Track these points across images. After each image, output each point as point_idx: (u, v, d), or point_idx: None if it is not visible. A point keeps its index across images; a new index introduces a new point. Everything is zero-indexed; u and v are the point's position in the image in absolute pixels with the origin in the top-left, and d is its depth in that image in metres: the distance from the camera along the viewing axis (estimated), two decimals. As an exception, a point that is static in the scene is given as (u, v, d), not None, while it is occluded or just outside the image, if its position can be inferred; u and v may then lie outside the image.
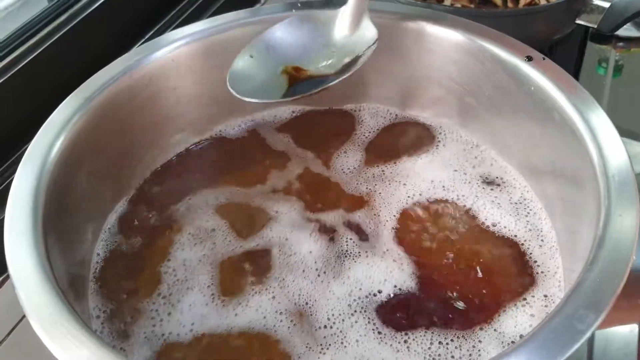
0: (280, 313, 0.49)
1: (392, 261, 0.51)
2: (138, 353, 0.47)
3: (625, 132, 0.66)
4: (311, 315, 0.48)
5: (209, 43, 0.57)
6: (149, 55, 0.55)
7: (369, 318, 0.48)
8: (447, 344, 0.46)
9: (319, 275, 0.51)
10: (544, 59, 0.51)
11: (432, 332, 0.47)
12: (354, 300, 0.49)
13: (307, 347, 0.46)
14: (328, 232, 0.54)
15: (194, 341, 0.47)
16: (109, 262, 0.53)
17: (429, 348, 0.46)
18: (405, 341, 0.47)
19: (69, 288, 0.45)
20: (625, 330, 0.51)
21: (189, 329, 0.48)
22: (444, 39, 0.56)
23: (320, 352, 0.46)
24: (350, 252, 0.52)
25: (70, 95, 0.51)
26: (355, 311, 0.48)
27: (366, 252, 0.52)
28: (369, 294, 0.49)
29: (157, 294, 0.50)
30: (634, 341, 0.51)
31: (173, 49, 0.56)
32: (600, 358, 0.50)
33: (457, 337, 0.47)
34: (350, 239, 0.53)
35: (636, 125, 0.69)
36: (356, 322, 0.48)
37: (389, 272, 0.51)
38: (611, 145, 0.45)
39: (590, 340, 0.51)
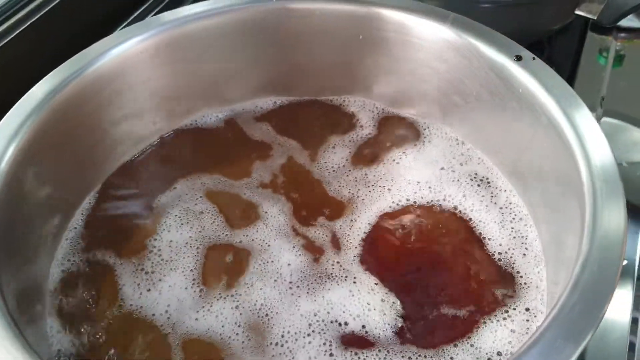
0: (239, 326, 0.46)
1: (380, 301, 0.48)
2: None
3: (627, 117, 0.66)
4: (267, 329, 0.46)
5: (182, 33, 0.55)
6: (117, 46, 0.52)
7: (325, 340, 0.45)
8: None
9: (290, 288, 0.48)
10: (534, 58, 0.49)
11: (387, 351, 0.44)
12: (317, 321, 0.46)
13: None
14: (314, 251, 0.51)
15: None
16: (73, 263, 0.51)
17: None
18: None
19: (21, 290, 0.43)
20: (616, 318, 0.50)
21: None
22: (430, 34, 0.54)
23: None
24: (336, 275, 0.49)
25: (34, 88, 0.49)
26: (313, 331, 0.46)
27: (352, 279, 0.49)
28: (335, 321, 0.47)
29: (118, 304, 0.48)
30: (625, 330, 0.49)
31: (143, 40, 0.53)
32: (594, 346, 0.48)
33: (419, 355, 0.44)
34: (338, 262, 0.50)
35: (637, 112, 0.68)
36: (309, 343, 0.45)
37: (366, 310, 0.47)
38: (599, 153, 0.42)
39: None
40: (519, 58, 0.49)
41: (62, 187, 0.51)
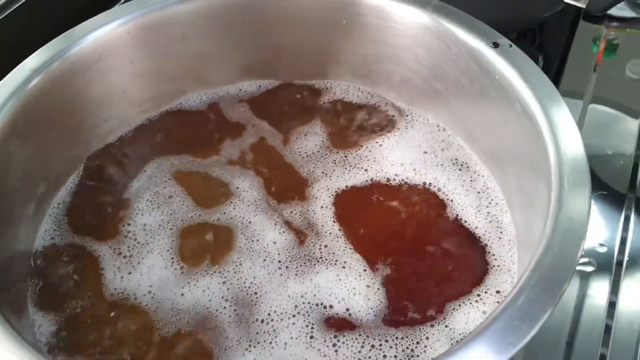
0: (226, 300, 0.48)
1: (365, 286, 0.49)
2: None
3: (618, 106, 0.67)
4: (254, 305, 0.47)
5: (166, 15, 0.55)
6: (100, 28, 0.53)
7: (308, 322, 0.46)
8: (380, 346, 0.45)
9: (279, 268, 0.49)
10: (510, 46, 0.49)
11: (367, 335, 0.46)
12: (303, 302, 0.47)
13: (237, 341, 0.45)
14: (294, 230, 0.52)
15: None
16: (54, 245, 0.51)
17: (359, 351, 0.45)
18: (334, 344, 0.45)
19: (2, 277, 0.44)
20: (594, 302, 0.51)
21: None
22: (410, 20, 0.54)
23: (245, 350, 0.45)
24: (324, 259, 0.50)
25: (15, 69, 0.49)
26: (298, 312, 0.47)
27: (340, 263, 0.50)
28: (320, 303, 0.48)
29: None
30: (602, 313, 0.50)
31: (127, 21, 0.54)
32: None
33: (393, 337, 0.46)
34: (325, 245, 0.51)
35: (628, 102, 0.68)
36: (293, 324, 0.46)
37: (351, 293, 0.48)
38: (569, 141, 0.43)
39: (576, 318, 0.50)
40: (496, 45, 0.49)
41: (43, 167, 0.52)
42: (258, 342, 0.45)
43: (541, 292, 0.35)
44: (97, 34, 0.52)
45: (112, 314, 0.47)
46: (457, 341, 0.45)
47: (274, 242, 0.51)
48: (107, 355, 0.45)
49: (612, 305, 0.51)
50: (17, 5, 0.66)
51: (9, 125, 0.46)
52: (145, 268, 0.50)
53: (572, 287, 0.51)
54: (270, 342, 0.45)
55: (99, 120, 0.56)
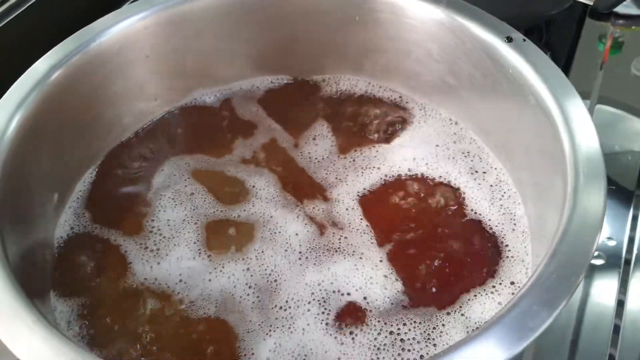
0: (250, 287, 0.49)
1: (383, 276, 0.50)
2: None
3: (623, 105, 0.67)
4: (274, 292, 0.48)
5: (182, 11, 0.56)
6: (118, 23, 0.53)
7: (324, 309, 0.47)
8: (397, 331, 0.46)
9: (299, 259, 0.50)
10: (524, 40, 0.50)
11: (384, 323, 0.46)
12: (320, 290, 0.48)
13: (259, 325, 0.47)
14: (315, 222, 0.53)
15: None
16: (75, 236, 0.52)
17: (375, 339, 0.46)
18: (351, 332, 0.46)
19: (27, 264, 0.45)
20: (602, 301, 0.51)
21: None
22: (424, 15, 0.55)
23: (266, 334, 0.46)
24: (342, 249, 0.51)
25: (36, 64, 0.50)
26: (314, 299, 0.48)
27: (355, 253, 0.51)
28: (337, 291, 0.49)
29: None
30: (611, 312, 0.51)
31: (145, 17, 0.54)
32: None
33: (411, 320, 0.46)
34: (345, 237, 0.52)
35: (634, 101, 0.69)
36: (308, 310, 0.47)
37: (369, 282, 0.49)
38: (584, 134, 0.44)
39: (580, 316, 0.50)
40: (509, 39, 0.50)
41: (61, 161, 0.53)
42: (277, 327, 0.46)
43: (559, 280, 0.36)
44: (116, 29, 0.53)
45: (140, 301, 0.48)
46: (472, 330, 0.46)
47: (296, 234, 0.52)
48: (136, 341, 0.46)
49: (620, 304, 0.51)
50: (28, 4, 0.67)
51: (31, 118, 0.47)
52: (173, 259, 0.51)
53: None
54: (289, 328, 0.46)
55: (116, 114, 0.57)
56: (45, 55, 0.50)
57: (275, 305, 0.48)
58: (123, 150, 0.58)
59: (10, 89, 0.48)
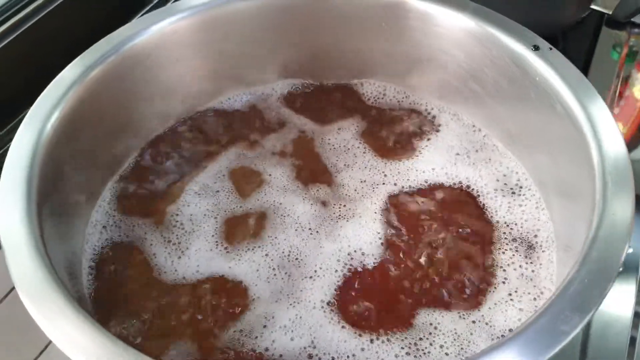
0: (273, 269, 0.51)
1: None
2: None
3: None
4: (301, 266, 0.51)
5: (211, 16, 0.57)
6: (150, 27, 0.54)
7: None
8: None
9: (310, 234, 0.53)
10: (550, 49, 0.50)
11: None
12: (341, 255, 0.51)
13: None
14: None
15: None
16: (106, 231, 0.53)
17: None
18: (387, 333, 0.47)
19: (63, 251, 0.46)
20: (618, 314, 0.52)
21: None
22: (451, 23, 0.55)
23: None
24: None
25: (71, 64, 0.51)
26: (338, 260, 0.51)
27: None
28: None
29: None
30: (627, 324, 0.51)
31: (175, 21, 0.55)
32: (595, 342, 0.50)
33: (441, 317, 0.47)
34: (344, 205, 0.54)
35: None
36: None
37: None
38: (611, 142, 0.44)
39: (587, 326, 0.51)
40: (536, 48, 0.51)
41: (93, 161, 0.54)
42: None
43: (590, 285, 0.37)
44: (147, 32, 0.54)
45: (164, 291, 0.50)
46: (498, 337, 0.46)
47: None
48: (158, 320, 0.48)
49: (637, 315, 0.51)
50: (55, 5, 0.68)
51: (67, 119, 0.48)
52: (192, 251, 0.52)
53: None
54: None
55: (145, 116, 0.58)
56: (78, 58, 0.51)
57: (305, 276, 0.50)
58: (151, 151, 0.59)
59: (45, 90, 0.49)
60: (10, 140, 0.46)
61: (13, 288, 0.52)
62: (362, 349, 0.46)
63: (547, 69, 0.50)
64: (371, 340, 0.47)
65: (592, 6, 0.76)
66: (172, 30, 0.55)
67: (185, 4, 0.56)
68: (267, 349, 0.46)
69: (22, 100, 0.61)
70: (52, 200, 0.46)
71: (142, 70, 0.55)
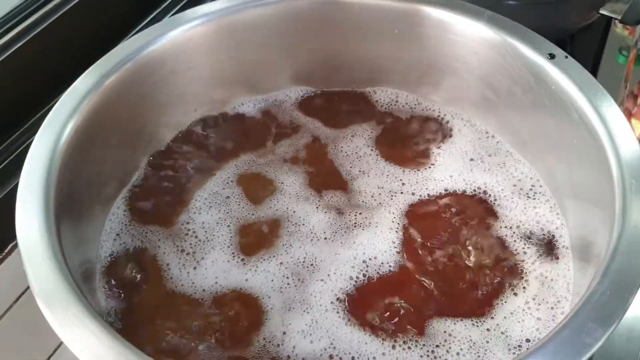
0: (287, 277, 0.51)
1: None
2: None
3: None
4: (315, 272, 0.51)
5: (225, 23, 0.57)
6: (165, 34, 0.54)
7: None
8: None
9: (325, 241, 0.53)
10: (566, 57, 0.50)
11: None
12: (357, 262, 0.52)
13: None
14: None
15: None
16: (120, 234, 0.53)
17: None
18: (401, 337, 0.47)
19: (78, 259, 0.46)
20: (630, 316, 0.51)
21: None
22: (466, 30, 0.55)
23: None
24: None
25: (86, 72, 0.51)
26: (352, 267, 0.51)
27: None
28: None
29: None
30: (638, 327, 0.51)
31: (189, 28, 0.55)
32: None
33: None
34: (360, 213, 0.54)
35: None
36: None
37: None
38: (629, 151, 0.44)
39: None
40: (552, 56, 0.51)
41: (108, 168, 0.54)
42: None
43: (613, 296, 0.37)
44: (164, 39, 0.54)
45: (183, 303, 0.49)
46: (515, 347, 0.46)
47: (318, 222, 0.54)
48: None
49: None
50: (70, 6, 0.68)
51: (83, 126, 0.48)
52: (209, 263, 0.52)
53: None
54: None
55: (159, 123, 0.58)
56: (94, 65, 0.51)
57: (318, 279, 0.50)
58: (164, 157, 0.59)
59: (60, 99, 0.49)
60: (20, 147, 0.46)
61: (23, 292, 0.53)
62: (383, 353, 0.46)
63: (563, 77, 0.50)
64: (382, 344, 0.47)
65: (601, 11, 0.76)
66: (187, 37, 0.55)
67: (199, 11, 0.56)
68: (288, 357, 0.46)
69: (31, 107, 0.61)
70: (68, 209, 0.46)
71: (156, 78, 0.55)
